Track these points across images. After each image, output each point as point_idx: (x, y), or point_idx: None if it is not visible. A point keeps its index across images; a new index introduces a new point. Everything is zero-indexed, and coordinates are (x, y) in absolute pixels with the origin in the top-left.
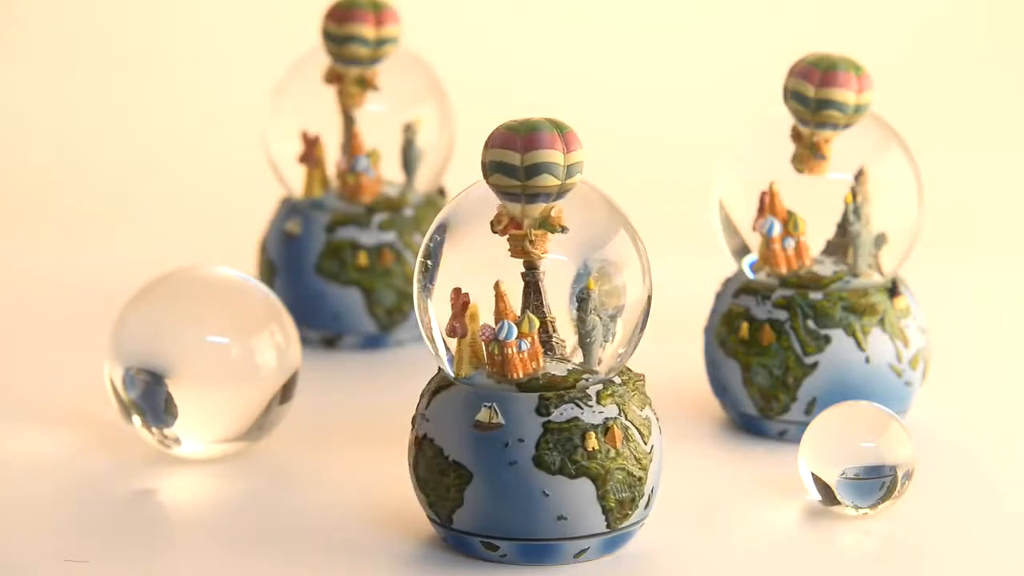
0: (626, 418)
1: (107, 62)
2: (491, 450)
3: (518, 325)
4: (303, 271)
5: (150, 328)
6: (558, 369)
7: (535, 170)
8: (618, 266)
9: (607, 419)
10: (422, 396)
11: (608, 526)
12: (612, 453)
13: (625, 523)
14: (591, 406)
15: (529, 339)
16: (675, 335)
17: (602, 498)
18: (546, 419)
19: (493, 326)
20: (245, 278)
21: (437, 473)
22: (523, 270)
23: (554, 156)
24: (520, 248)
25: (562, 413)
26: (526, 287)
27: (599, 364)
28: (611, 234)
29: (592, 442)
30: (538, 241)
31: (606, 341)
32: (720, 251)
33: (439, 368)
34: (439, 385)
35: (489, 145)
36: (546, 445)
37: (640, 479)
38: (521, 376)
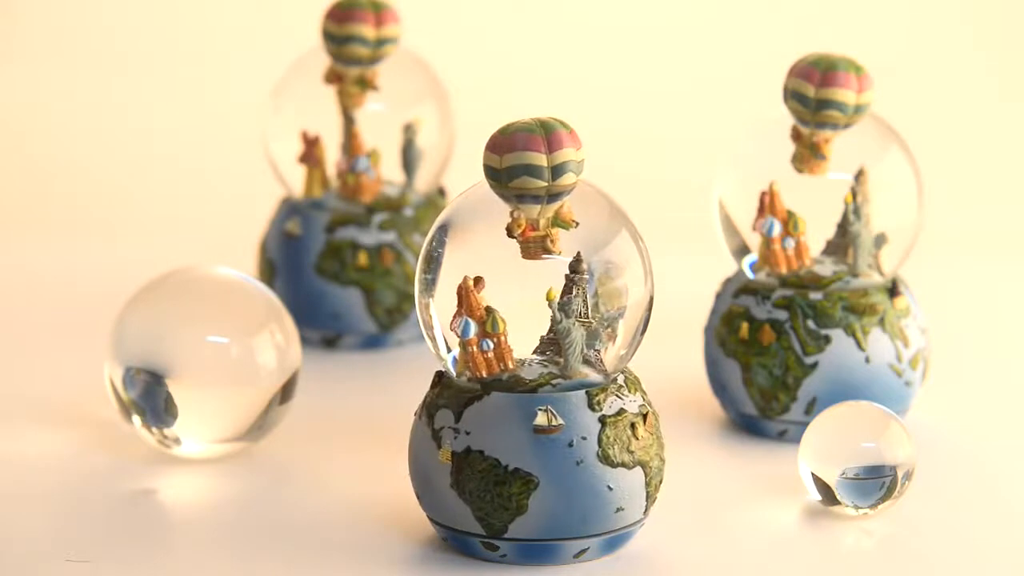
0: (649, 405)
1: (107, 62)
2: (556, 452)
3: (482, 324)
4: (303, 271)
5: (150, 328)
6: (530, 372)
7: (561, 169)
8: (620, 267)
9: (640, 407)
10: (435, 410)
11: (644, 512)
12: (651, 440)
13: (650, 507)
14: (626, 396)
15: (494, 339)
16: (675, 335)
17: (648, 485)
18: (600, 413)
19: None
20: (245, 278)
21: (494, 485)
22: (567, 271)
23: (573, 154)
24: (541, 248)
25: (611, 406)
26: (566, 288)
27: (601, 366)
28: (613, 235)
29: (640, 431)
30: (556, 240)
31: (589, 349)
32: (720, 251)
33: (438, 377)
34: (467, 397)
35: (507, 149)
36: (608, 439)
37: (664, 461)
38: (484, 376)
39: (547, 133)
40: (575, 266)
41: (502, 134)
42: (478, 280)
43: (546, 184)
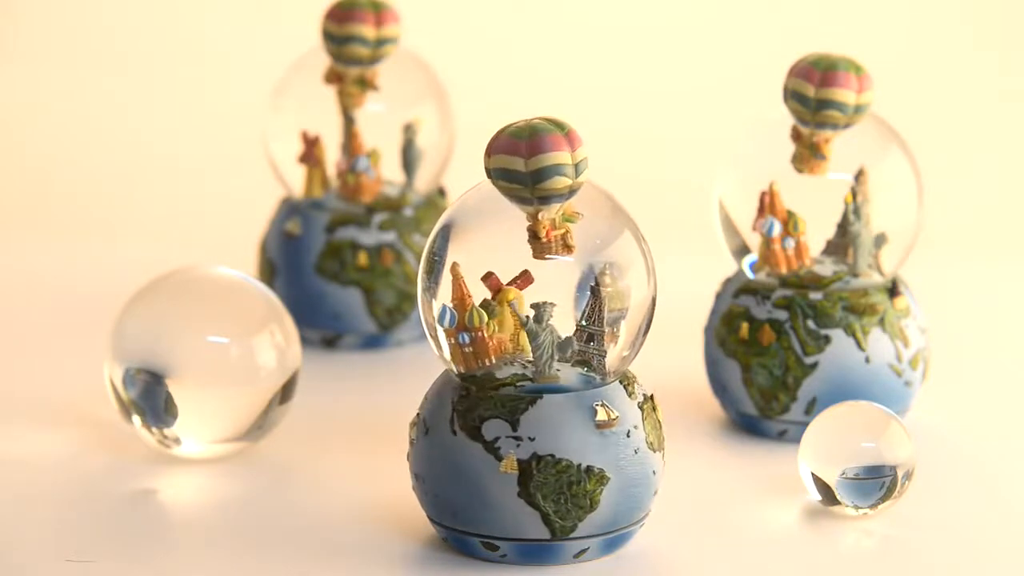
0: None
1: (107, 62)
2: (618, 444)
3: (466, 317)
4: (303, 271)
5: (150, 328)
6: (504, 371)
7: (582, 166)
8: (622, 268)
9: (647, 392)
10: (479, 422)
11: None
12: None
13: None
14: (641, 384)
15: (472, 334)
16: (675, 335)
17: (664, 465)
18: (638, 401)
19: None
20: (245, 278)
21: (568, 487)
22: (593, 284)
23: (585, 150)
24: (562, 246)
25: (639, 394)
26: (589, 299)
27: (603, 370)
28: (616, 236)
29: (660, 414)
30: (572, 235)
31: (566, 355)
32: (720, 251)
33: (465, 391)
34: (517, 404)
35: (534, 151)
36: (650, 426)
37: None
38: (463, 370)
39: (565, 132)
40: (599, 279)
41: (519, 137)
42: (525, 274)
43: (571, 182)
